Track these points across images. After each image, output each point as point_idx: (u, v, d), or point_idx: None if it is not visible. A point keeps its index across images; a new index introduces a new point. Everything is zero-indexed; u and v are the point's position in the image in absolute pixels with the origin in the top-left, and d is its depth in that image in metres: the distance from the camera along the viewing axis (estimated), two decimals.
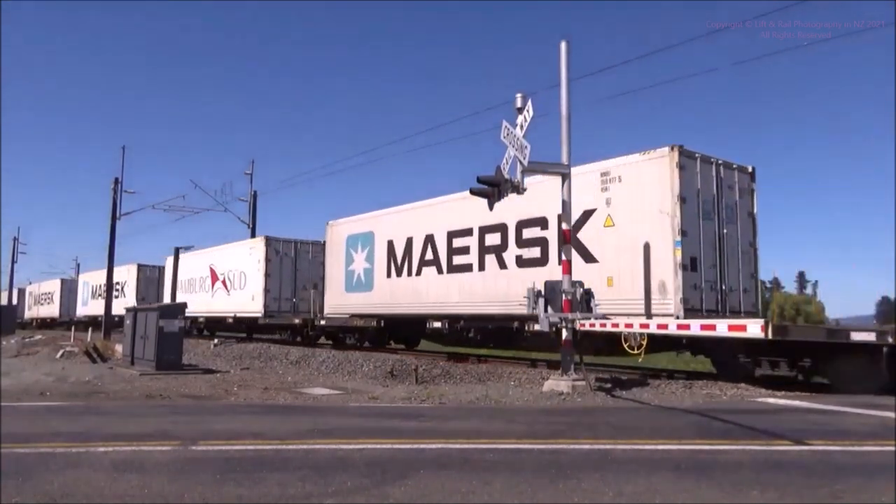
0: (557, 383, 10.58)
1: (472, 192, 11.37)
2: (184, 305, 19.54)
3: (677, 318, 11.08)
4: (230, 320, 26.98)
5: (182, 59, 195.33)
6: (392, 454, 5.67)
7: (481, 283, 15.36)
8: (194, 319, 29.15)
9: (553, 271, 12.98)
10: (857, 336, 10.11)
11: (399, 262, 18.18)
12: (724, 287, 12.21)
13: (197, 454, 5.67)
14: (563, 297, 10.65)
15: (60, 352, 21.01)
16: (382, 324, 18.99)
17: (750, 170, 13.08)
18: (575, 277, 12.09)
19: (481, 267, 15.48)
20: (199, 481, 4.64)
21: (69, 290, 48.47)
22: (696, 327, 10.80)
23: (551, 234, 13.72)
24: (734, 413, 8.12)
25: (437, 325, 16.97)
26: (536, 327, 12.09)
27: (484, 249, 15.42)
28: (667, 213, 11.68)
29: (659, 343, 12.02)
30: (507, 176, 10.74)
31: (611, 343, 12.39)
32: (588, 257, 12.93)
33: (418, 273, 17.46)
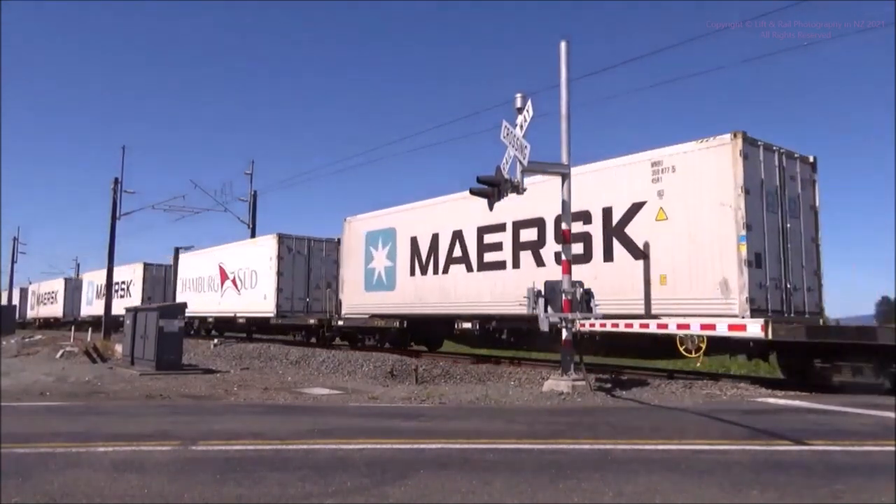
0: (557, 383, 10.58)
1: (472, 192, 11.37)
2: (184, 305, 19.54)
3: (742, 318, 10.49)
4: (241, 321, 26.17)
5: (182, 60, 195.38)
6: (392, 454, 5.67)
7: (515, 281, 14.32)
8: (203, 320, 28.65)
9: (598, 268, 12.64)
10: None
11: (424, 260, 17.40)
12: (788, 286, 11.44)
13: (197, 454, 5.67)
14: (563, 297, 10.64)
15: (60, 352, 21.02)
16: (405, 324, 18.07)
17: (811, 160, 12.31)
18: (623, 275, 11.69)
19: (515, 264, 14.67)
20: (199, 481, 4.64)
21: (73, 290, 47.93)
22: (695, 327, 10.85)
23: (595, 229, 12.99)
24: (734, 413, 8.11)
25: (467, 325, 16.04)
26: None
27: (519, 246, 14.65)
28: (729, 206, 10.90)
29: (716, 345, 11.20)
30: (506, 176, 10.75)
31: (661, 346, 11.86)
32: (637, 253, 12.17)
33: (445, 271, 16.66)
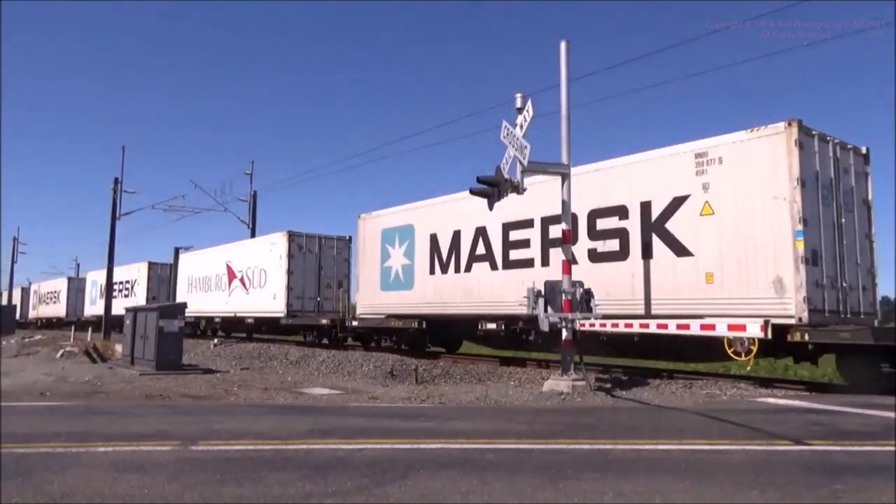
0: (557, 383, 10.58)
1: (472, 193, 11.37)
2: (183, 305, 19.54)
3: (799, 319, 10.00)
4: (250, 321, 25.46)
5: (182, 59, 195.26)
6: (392, 454, 5.67)
7: (545, 279, 13.33)
8: (210, 320, 28.10)
9: (636, 266, 12.15)
10: None
11: (444, 258, 16.78)
12: (843, 284, 10.84)
13: (197, 454, 5.67)
14: (563, 297, 10.65)
15: (60, 352, 21.03)
16: (424, 325, 17.41)
17: (864, 151, 11.73)
18: (664, 273, 11.29)
19: (545, 262, 13.96)
20: (199, 481, 4.64)
21: (76, 289, 47.39)
22: (695, 327, 10.80)
23: (633, 225, 12.36)
24: (734, 413, 8.11)
25: (492, 326, 15.33)
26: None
27: (548, 242, 13.90)
28: (783, 199, 10.30)
29: (766, 347, 10.58)
30: (507, 176, 10.75)
31: (706, 348, 11.38)
32: (680, 250, 11.56)
33: (468, 269, 16.04)
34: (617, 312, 11.76)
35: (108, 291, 31.41)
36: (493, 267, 15.31)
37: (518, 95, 10.93)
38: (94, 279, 42.92)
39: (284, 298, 22.77)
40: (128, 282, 36.89)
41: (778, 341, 10.25)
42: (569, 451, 5.88)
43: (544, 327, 10.76)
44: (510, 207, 13.90)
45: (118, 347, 19.88)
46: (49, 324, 50.75)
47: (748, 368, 11.48)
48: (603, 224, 12.92)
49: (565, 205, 11.08)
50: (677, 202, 11.70)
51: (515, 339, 15.39)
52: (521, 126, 10.74)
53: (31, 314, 56.90)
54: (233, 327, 27.35)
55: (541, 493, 4.37)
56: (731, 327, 10.35)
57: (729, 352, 10.66)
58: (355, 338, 21.70)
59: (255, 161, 35.23)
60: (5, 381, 13.73)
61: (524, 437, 6.58)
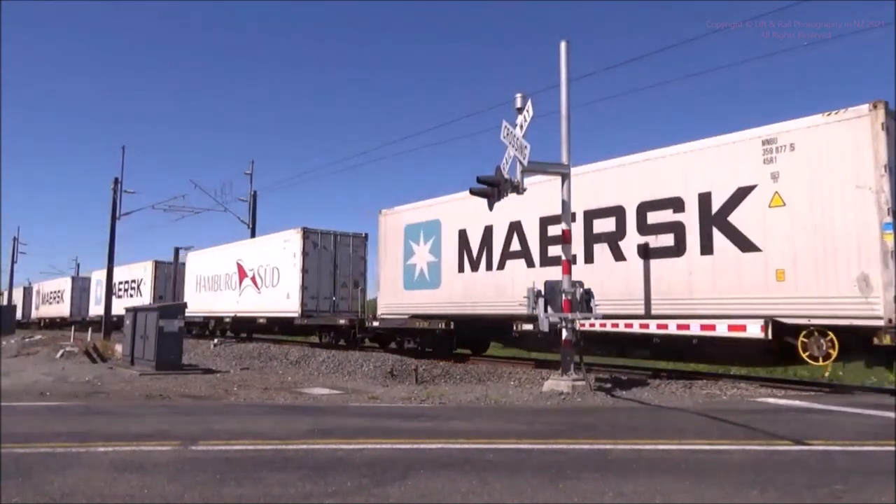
0: (557, 383, 10.58)
1: (472, 193, 11.37)
2: (184, 305, 19.55)
3: (889, 321, 9.20)
4: (262, 321, 24.45)
5: (182, 59, 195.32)
6: (392, 454, 5.67)
7: (588, 277, 12.55)
8: (219, 320, 27.36)
9: (693, 262, 11.37)
10: None
11: (475, 255, 15.89)
12: None
13: (197, 454, 5.67)
14: (563, 297, 10.65)
15: (60, 352, 21.03)
16: (452, 325, 16.37)
17: None
18: (726, 270, 10.72)
19: (588, 259, 13.09)
20: (199, 481, 4.64)
21: (81, 289, 46.65)
22: (695, 327, 10.78)
23: (689, 218, 11.52)
24: (734, 413, 8.11)
25: (528, 327, 14.04)
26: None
27: (592, 238, 13.09)
28: (868, 189, 9.45)
29: (850, 351, 9.90)
30: (506, 176, 10.76)
31: (774, 352, 10.70)
32: (745, 245, 10.72)
33: (501, 266, 15.14)
34: (670, 312, 11.23)
35: (108, 291, 31.42)
36: (530, 264, 14.40)
37: (518, 95, 10.93)
38: (99, 278, 42.27)
39: (299, 298, 21.87)
40: (133, 281, 36.49)
41: (861, 345, 9.57)
42: (569, 451, 5.88)
43: (544, 327, 10.77)
44: (548, 201, 13.27)
45: (118, 347, 19.88)
46: (53, 324, 50.01)
47: (826, 374, 10.70)
48: (655, 217, 12.07)
49: (565, 205, 11.08)
50: (741, 193, 10.85)
51: (556, 341, 14.86)
52: (521, 126, 10.75)
53: (34, 314, 56.30)
54: (244, 327, 26.61)
55: (541, 493, 4.37)
56: (730, 327, 10.34)
57: (803, 356, 10.03)
58: (373, 339, 20.74)
59: (255, 161, 35.25)
60: (5, 381, 13.74)
61: (524, 437, 6.59)
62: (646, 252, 12.10)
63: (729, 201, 11.01)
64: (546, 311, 10.69)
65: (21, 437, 6.40)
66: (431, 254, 17.22)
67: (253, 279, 24.84)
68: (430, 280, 17.19)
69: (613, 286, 12.41)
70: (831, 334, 9.74)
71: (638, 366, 14.39)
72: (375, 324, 19.13)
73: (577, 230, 13.15)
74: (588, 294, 10.87)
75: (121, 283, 37.79)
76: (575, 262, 12.89)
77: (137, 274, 36.23)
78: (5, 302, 57.06)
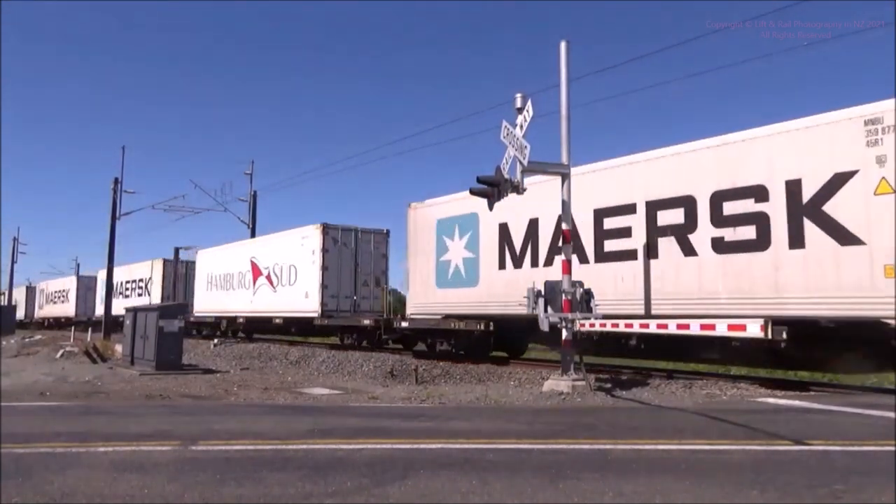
0: (557, 383, 10.58)
1: (472, 192, 11.38)
2: (184, 305, 19.57)
3: None
4: (278, 321, 23.43)
5: (182, 59, 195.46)
6: (392, 454, 5.67)
7: (651, 274, 12.06)
8: (232, 320, 26.54)
9: (780, 257, 10.29)
10: None
11: (518, 250, 14.77)
12: None
13: (197, 454, 5.67)
14: (563, 297, 10.65)
15: (60, 352, 21.06)
16: (492, 326, 15.32)
17: None
18: (821, 265, 9.94)
19: (652, 253, 12.11)
20: (199, 481, 4.64)
21: (86, 288, 46.01)
22: (695, 327, 10.68)
23: (775, 208, 10.43)
24: (734, 413, 8.11)
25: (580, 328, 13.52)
26: (745, 333, 9.51)
27: (656, 231, 12.07)
28: None
29: None
30: (507, 176, 10.76)
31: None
32: (844, 237, 9.66)
33: (548, 263, 13.95)
34: (752, 313, 10.10)
35: (108, 291, 31.45)
36: (583, 260, 13.22)
37: (518, 95, 10.94)
38: (105, 278, 42.12)
39: (318, 297, 20.81)
40: (141, 280, 35.76)
41: None
42: (569, 451, 5.88)
43: (544, 327, 10.78)
44: (604, 192, 12.76)
45: (118, 347, 19.90)
46: (57, 324, 49.10)
47: None
48: (732, 208, 11.00)
49: (565, 205, 11.09)
50: (840, 179, 9.79)
51: (612, 345, 13.08)
52: (521, 126, 10.75)
53: (38, 314, 55.55)
54: (258, 328, 25.79)
55: (541, 493, 4.37)
56: (730, 327, 10.28)
57: None
58: (396, 340, 19.73)
59: (255, 161, 35.26)
60: (5, 381, 13.74)
61: (524, 437, 6.59)
62: (721, 246, 11.12)
63: (824, 189, 9.94)
64: (546, 311, 10.70)
65: (21, 437, 6.40)
66: (468, 249, 16.16)
67: (268, 277, 23.91)
68: (467, 277, 16.14)
69: (682, 283, 11.52)
70: None
71: (638, 366, 14.39)
72: (404, 324, 18.01)
73: (639, 223, 12.39)
74: (588, 294, 10.88)
75: (128, 282, 37.39)
76: (634, 258, 12.30)
77: (144, 273, 35.47)
78: (5, 302, 57.00)
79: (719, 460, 5.45)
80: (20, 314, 55.53)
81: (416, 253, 17.79)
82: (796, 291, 10.08)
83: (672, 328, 9.57)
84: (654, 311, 11.76)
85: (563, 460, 5.42)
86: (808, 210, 10.15)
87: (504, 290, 14.92)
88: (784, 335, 9.10)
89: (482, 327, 15.39)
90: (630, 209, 12.54)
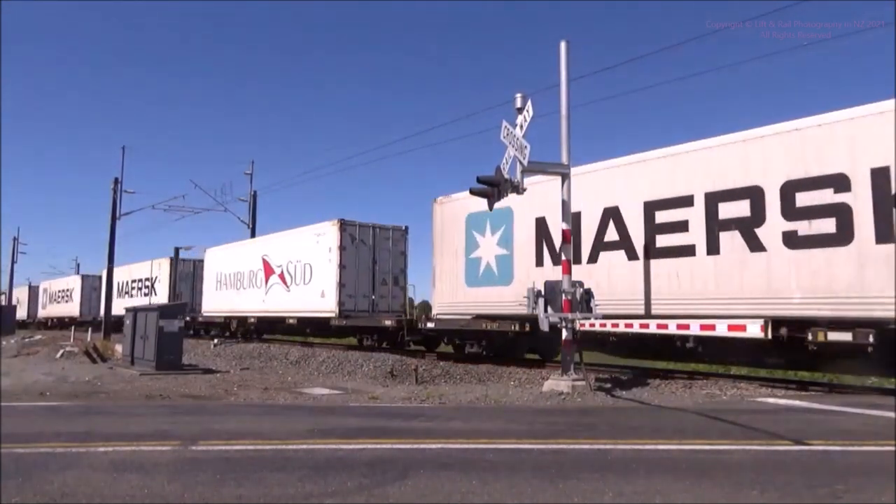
0: (557, 383, 10.58)
1: (472, 193, 11.38)
2: (184, 305, 19.56)
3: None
4: (291, 321, 22.50)
5: (182, 59, 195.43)
6: (392, 454, 5.67)
7: (713, 271, 11.14)
8: (243, 320, 25.80)
9: (864, 253, 9.38)
10: None
11: (557, 246, 13.40)
12: None
13: (197, 454, 5.67)
14: (564, 297, 10.66)
15: (60, 352, 21.05)
16: (528, 327, 14.06)
17: None
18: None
19: (712, 249, 11.20)
20: (199, 481, 4.64)
21: (91, 287, 44.87)
22: (695, 327, 10.62)
23: (858, 199, 9.49)
24: (734, 413, 8.11)
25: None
26: (833, 337, 8.93)
27: (717, 224, 11.18)
28: None
29: None
30: (506, 176, 10.77)
31: None
32: None
33: (592, 259, 13.11)
34: (831, 314, 9.56)
35: (108, 291, 31.40)
36: (631, 256, 12.41)
37: (518, 95, 10.95)
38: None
39: (336, 296, 19.80)
40: (147, 279, 35.20)
41: None
42: (569, 451, 5.88)
43: (544, 327, 10.78)
44: (653, 183, 12.07)
45: (118, 347, 19.90)
46: (61, 323, 47.94)
47: None
48: (807, 199, 10.13)
49: (565, 205, 11.09)
50: None
51: (665, 347, 12.34)
52: (521, 126, 10.75)
53: (41, 313, 54.72)
54: (271, 328, 24.99)
55: (541, 493, 4.37)
56: (731, 327, 10.24)
57: None
58: (417, 342, 18.79)
59: (255, 161, 35.22)
60: (5, 381, 13.74)
61: (524, 437, 6.59)
62: (795, 240, 10.27)
63: None
64: (546, 310, 10.70)
65: (21, 437, 6.41)
66: (501, 246, 15.26)
67: (281, 276, 22.89)
68: (500, 276, 15.19)
69: (747, 281, 10.71)
70: None
71: (638, 366, 14.38)
72: (430, 325, 17.02)
73: (697, 216, 11.55)
74: (588, 294, 10.88)
75: (133, 281, 37.06)
76: (693, 254, 11.53)
77: (152, 272, 34.84)
78: (5, 302, 56.88)
79: (719, 460, 5.45)
80: (22, 314, 55.40)
81: (443, 250, 16.94)
82: (883, 290, 9.20)
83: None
84: (718, 310, 10.79)
85: (563, 460, 5.42)
86: None
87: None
88: (871, 339, 8.65)
89: (517, 328, 14.47)
90: (686, 201, 11.72)
